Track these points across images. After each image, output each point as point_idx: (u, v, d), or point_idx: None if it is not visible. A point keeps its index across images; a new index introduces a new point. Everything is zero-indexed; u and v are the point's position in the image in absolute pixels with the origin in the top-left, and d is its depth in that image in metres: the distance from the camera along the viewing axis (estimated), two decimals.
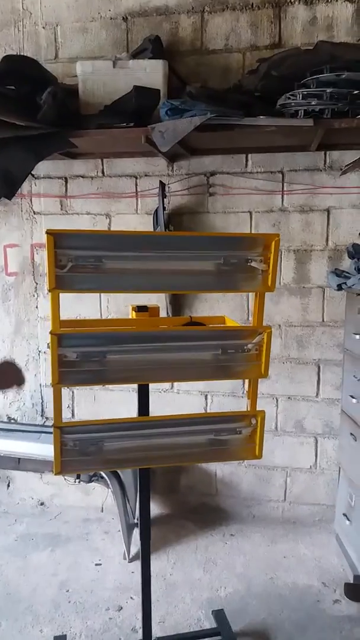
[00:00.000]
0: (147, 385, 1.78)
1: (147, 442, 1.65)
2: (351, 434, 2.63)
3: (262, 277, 1.56)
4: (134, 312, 1.83)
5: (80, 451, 1.59)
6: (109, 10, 2.93)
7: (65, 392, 3.28)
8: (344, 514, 2.72)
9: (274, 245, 1.50)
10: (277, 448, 3.13)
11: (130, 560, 2.78)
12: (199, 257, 1.52)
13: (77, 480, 3.02)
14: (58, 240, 1.40)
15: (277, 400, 3.09)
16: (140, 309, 1.82)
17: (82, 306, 3.16)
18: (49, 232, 1.39)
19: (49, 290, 1.43)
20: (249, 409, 1.69)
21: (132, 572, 2.69)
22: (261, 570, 2.71)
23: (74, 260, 1.43)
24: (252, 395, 1.69)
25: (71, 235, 1.44)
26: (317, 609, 2.43)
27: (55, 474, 1.58)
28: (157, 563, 2.77)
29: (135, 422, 1.66)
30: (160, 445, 1.67)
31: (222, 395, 3.12)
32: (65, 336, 1.49)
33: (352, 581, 2.53)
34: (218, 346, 1.58)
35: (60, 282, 1.43)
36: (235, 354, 1.60)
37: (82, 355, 1.49)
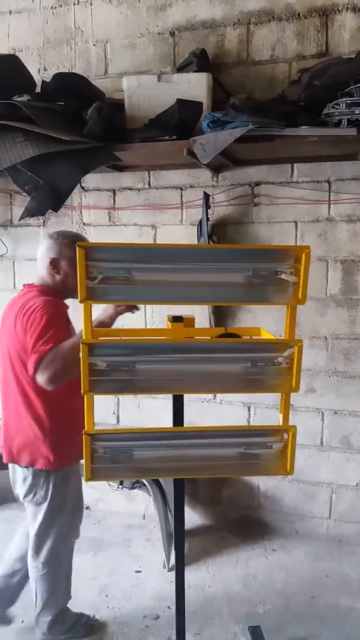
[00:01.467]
0: (182, 395, 1.79)
1: (177, 452, 1.66)
2: None
3: (293, 289, 1.53)
4: (169, 322, 1.85)
5: (111, 459, 1.62)
6: (157, 26, 3.00)
7: (110, 398, 3.35)
8: None
9: (304, 258, 1.48)
10: (322, 463, 3.05)
11: (170, 570, 2.79)
12: (228, 270, 1.52)
13: (120, 487, 3.07)
14: (89, 253, 1.45)
15: (322, 415, 3.01)
16: (175, 319, 1.84)
17: (128, 316, 3.21)
18: (80, 245, 1.43)
19: (80, 301, 1.48)
20: (281, 423, 1.67)
21: (171, 582, 2.66)
22: (302, 588, 2.64)
23: (105, 272, 1.46)
24: (284, 409, 1.66)
25: (101, 248, 1.48)
26: (359, 632, 2.35)
27: (86, 481, 1.62)
28: (196, 574, 2.76)
29: (165, 432, 1.67)
30: (190, 456, 1.67)
31: (265, 407, 3.08)
32: (96, 345, 1.52)
33: None
34: (247, 359, 1.57)
35: (91, 294, 1.47)
36: (266, 367, 1.58)
37: (112, 365, 1.52)
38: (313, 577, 2.73)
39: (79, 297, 1.47)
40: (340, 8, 2.70)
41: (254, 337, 1.81)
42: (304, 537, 3.08)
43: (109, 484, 3.14)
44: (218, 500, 3.25)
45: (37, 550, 2.17)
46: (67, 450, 2.09)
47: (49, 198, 2.52)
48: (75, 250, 1.43)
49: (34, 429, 2.07)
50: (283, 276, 1.51)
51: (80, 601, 2.55)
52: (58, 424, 2.08)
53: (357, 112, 2.22)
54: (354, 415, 2.97)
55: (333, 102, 2.31)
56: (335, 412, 2.99)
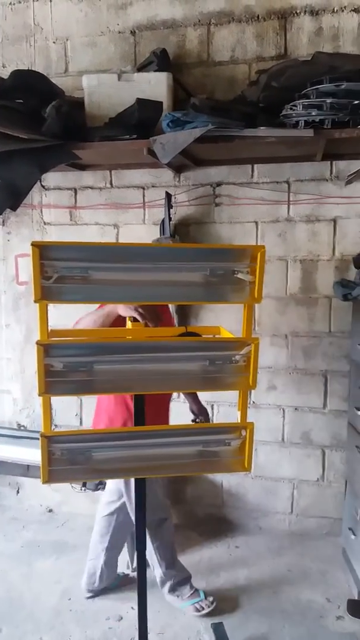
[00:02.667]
0: (143, 395, 1.78)
1: (135, 452, 1.66)
2: (357, 447, 2.59)
3: (250, 288, 1.55)
4: (129, 322, 1.84)
5: (69, 460, 1.60)
6: (117, 25, 2.98)
7: (73, 400, 3.32)
8: (350, 528, 2.67)
9: (259, 257, 1.50)
10: (284, 460, 3.09)
11: (134, 570, 2.77)
12: (186, 269, 1.52)
13: (83, 489, 3.04)
14: (44, 251, 1.43)
15: (283, 411, 3.06)
16: (135, 318, 1.83)
17: None
18: (34, 244, 1.41)
19: (35, 301, 1.46)
20: (239, 421, 1.68)
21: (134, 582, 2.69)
22: (265, 584, 2.68)
23: (60, 271, 1.45)
24: (242, 406, 1.68)
25: (56, 247, 1.47)
26: (320, 625, 2.39)
27: (43, 483, 1.59)
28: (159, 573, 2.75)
29: (124, 432, 1.67)
30: (149, 455, 1.67)
31: (228, 405, 3.10)
32: (53, 346, 1.51)
33: (356, 597, 2.47)
34: (205, 357, 1.58)
35: (46, 293, 1.46)
36: (224, 365, 1.59)
37: (69, 365, 1.51)
38: (275, 572, 2.77)
39: (33, 296, 1.45)
40: (298, 11, 2.74)
41: (212, 336, 1.82)
42: (267, 533, 3.12)
43: (72, 486, 3.10)
44: (182, 499, 3.25)
45: None
46: None
47: (7, 197, 2.48)
48: None
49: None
50: (239, 275, 1.53)
51: (42, 605, 2.52)
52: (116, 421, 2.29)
53: (313, 113, 2.25)
54: (314, 412, 3.02)
55: (290, 104, 2.34)
56: (295, 409, 3.04)
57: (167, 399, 2.57)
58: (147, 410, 2.01)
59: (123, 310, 1.86)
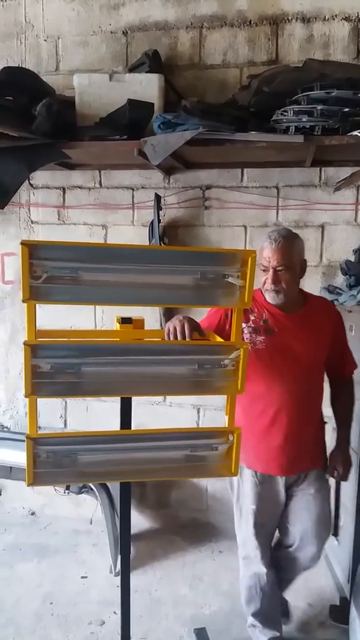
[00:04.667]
0: (130, 398, 1.77)
1: (122, 455, 1.64)
2: None
3: (240, 292, 1.54)
4: (118, 324, 1.82)
5: (55, 463, 1.58)
6: (109, 25, 2.97)
7: (57, 402, 3.28)
8: (333, 535, 2.67)
9: (250, 262, 1.49)
10: None
11: (117, 574, 2.76)
12: (176, 272, 1.51)
13: (67, 492, 3.01)
14: (33, 251, 1.41)
15: None
16: (124, 320, 1.81)
17: (77, 317, 3.17)
18: (23, 243, 1.39)
19: (23, 301, 1.43)
20: (226, 425, 1.67)
21: (118, 586, 2.62)
22: None
23: (50, 271, 1.42)
24: (230, 411, 1.67)
25: (47, 247, 1.44)
26: (302, 630, 2.39)
27: (28, 485, 1.57)
28: (143, 578, 2.74)
29: (110, 435, 1.65)
30: (136, 459, 1.65)
31: (214, 409, 3.09)
32: (40, 347, 1.48)
33: (337, 603, 2.48)
34: (194, 361, 1.56)
35: (35, 293, 1.43)
36: (212, 369, 1.58)
37: (56, 367, 1.49)
38: None
39: (22, 296, 1.43)
40: (290, 18, 2.76)
41: (199, 340, 1.81)
42: None
43: (55, 489, 3.07)
44: (167, 503, 3.24)
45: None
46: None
47: None
48: None
49: None
50: (230, 279, 1.52)
51: (23, 609, 2.49)
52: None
53: (304, 119, 2.26)
54: None
55: (281, 109, 2.35)
56: None
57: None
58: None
59: None
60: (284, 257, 1.95)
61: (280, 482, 2.07)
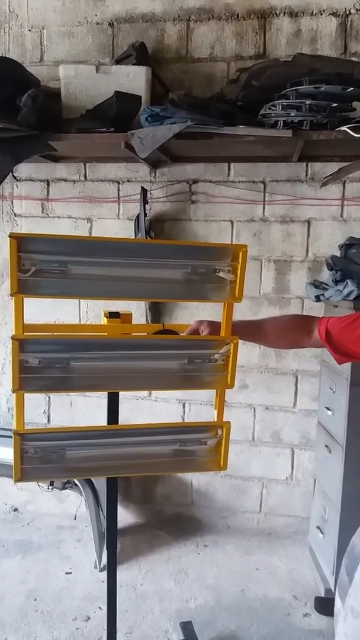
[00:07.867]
0: (117, 393, 1.75)
1: (110, 451, 1.63)
2: (326, 445, 2.62)
3: (230, 287, 1.54)
4: (105, 318, 1.80)
5: (42, 459, 1.56)
6: (95, 15, 2.93)
7: (41, 397, 3.25)
8: (318, 527, 2.70)
9: (241, 256, 1.49)
10: (254, 459, 3.11)
11: (101, 570, 2.74)
12: (167, 266, 1.50)
13: (51, 487, 2.98)
14: (21, 243, 1.38)
15: (254, 410, 3.07)
16: (112, 315, 1.80)
17: (61, 311, 3.14)
18: (11, 236, 1.36)
19: (11, 295, 1.41)
20: (216, 419, 1.67)
21: (102, 582, 2.63)
22: (233, 582, 2.68)
23: (38, 264, 1.40)
24: (219, 405, 1.67)
25: (35, 239, 1.42)
26: (287, 622, 2.41)
27: (15, 482, 1.55)
28: (128, 573, 2.73)
29: (99, 430, 1.63)
30: (124, 454, 1.64)
31: (199, 404, 3.10)
32: (28, 341, 1.46)
33: (323, 595, 2.51)
34: (184, 355, 1.56)
35: (23, 287, 1.41)
36: (202, 364, 1.58)
37: (44, 361, 1.47)
38: (243, 570, 2.78)
39: (9, 290, 1.41)
40: (277, 12, 2.75)
41: (189, 334, 1.80)
42: (236, 532, 3.13)
43: (39, 485, 3.05)
44: (151, 498, 3.23)
45: None
46: None
47: None
48: None
49: None
50: (221, 274, 1.52)
51: (7, 606, 2.46)
52: None
53: (292, 114, 2.26)
54: (284, 411, 3.04)
55: (270, 104, 2.34)
56: (266, 408, 3.06)
57: None
58: None
59: None
60: None
61: None
